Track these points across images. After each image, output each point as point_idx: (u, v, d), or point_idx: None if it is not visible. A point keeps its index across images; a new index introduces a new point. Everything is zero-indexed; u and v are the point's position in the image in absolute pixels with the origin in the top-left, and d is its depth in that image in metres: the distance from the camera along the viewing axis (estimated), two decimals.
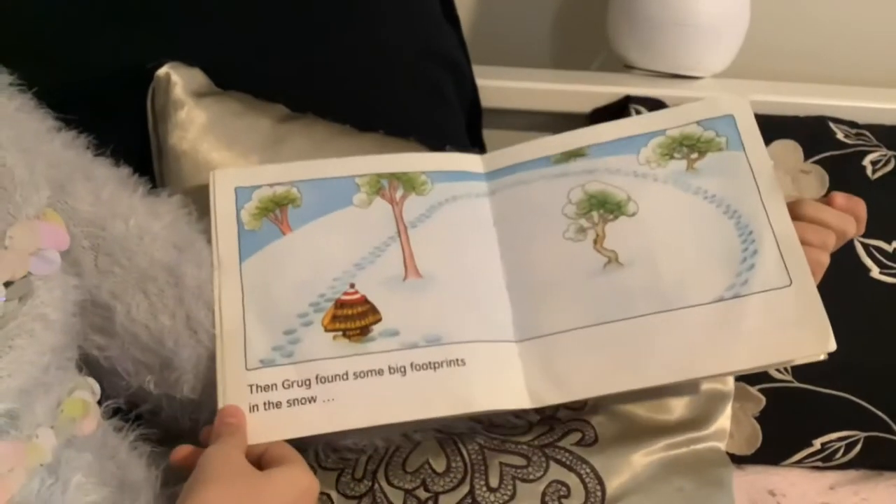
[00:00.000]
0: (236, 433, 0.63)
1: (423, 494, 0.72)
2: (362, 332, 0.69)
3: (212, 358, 0.67)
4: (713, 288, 0.69)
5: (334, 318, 0.69)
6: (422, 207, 0.75)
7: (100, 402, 0.63)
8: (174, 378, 0.68)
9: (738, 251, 0.70)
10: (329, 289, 0.70)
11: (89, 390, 0.63)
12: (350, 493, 0.73)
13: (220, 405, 0.66)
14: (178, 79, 0.83)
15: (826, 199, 0.73)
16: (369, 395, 0.67)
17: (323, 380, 0.67)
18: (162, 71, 0.83)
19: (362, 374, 0.67)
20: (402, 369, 0.67)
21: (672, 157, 0.75)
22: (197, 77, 0.85)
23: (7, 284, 0.55)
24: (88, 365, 0.66)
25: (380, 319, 0.69)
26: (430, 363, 0.68)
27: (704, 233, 0.71)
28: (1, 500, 0.52)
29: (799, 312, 0.67)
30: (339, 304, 0.70)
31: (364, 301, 0.70)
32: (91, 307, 0.65)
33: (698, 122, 0.76)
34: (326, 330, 0.69)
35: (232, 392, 0.66)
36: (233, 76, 0.86)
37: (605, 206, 0.74)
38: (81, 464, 0.58)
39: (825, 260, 0.71)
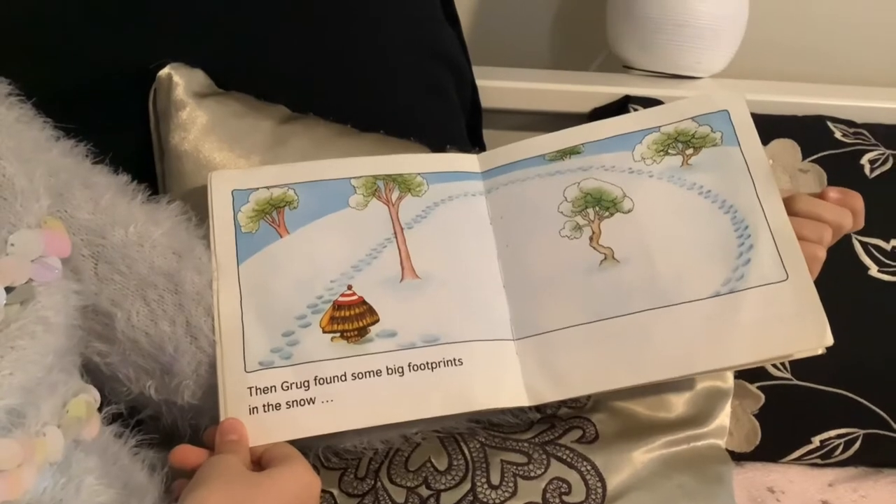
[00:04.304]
0: (238, 450, 0.63)
1: (424, 492, 0.72)
2: (360, 334, 0.69)
3: (212, 364, 0.68)
4: (709, 283, 0.69)
5: (332, 319, 0.69)
6: (418, 208, 0.75)
7: (100, 409, 0.63)
8: (175, 384, 0.68)
9: (734, 246, 0.70)
10: (326, 290, 0.71)
11: (91, 396, 0.63)
12: (353, 492, 0.73)
13: (221, 407, 0.66)
14: (179, 80, 0.83)
15: (821, 194, 0.72)
16: (368, 396, 0.67)
17: (321, 381, 0.67)
18: (164, 72, 0.83)
19: (360, 375, 0.67)
20: (400, 370, 0.68)
21: (667, 154, 0.75)
22: (198, 78, 0.85)
23: (8, 290, 0.55)
24: (89, 371, 0.66)
25: (377, 320, 0.70)
26: (427, 363, 0.68)
27: (700, 228, 0.71)
28: (14, 495, 0.52)
29: (796, 307, 0.67)
30: (337, 306, 0.70)
31: (362, 302, 0.70)
32: (92, 314, 0.65)
33: (693, 118, 0.76)
34: (324, 331, 0.69)
35: (232, 394, 0.66)
36: (234, 77, 0.87)
37: (600, 204, 0.74)
38: (90, 466, 0.58)
39: (821, 254, 0.71)
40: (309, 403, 0.66)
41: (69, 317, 0.60)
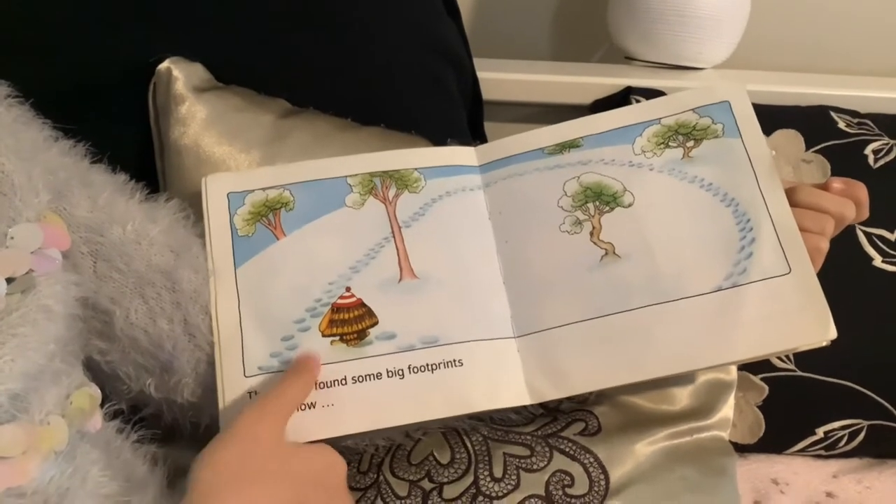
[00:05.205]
0: (303, 375, 0.64)
1: (427, 485, 0.72)
2: (359, 337, 0.68)
3: (210, 362, 0.68)
4: (711, 278, 0.68)
5: (331, 322, 0.69)
6: (415, 205, 0.74)
7: (101, 406, 0.64)
8: (174, 382, 0.68)
9: (736, 240, 0.69)
10: (325, 293, 0.70)
11: (93, 391, 0.63)
12: (356, 486, 0.73)
13: (220, 412, 0.66)
14: (179, 74, 0.83)
15: (824, 185, 0.72)
16: (368, 400, 0.67)
17: (321, 385, 0.67)
18: (163, 66, 0.83)
19: (360, 379, 0.67)
20: (400, 372, 0.67)
21: (668, 146, 0.74)
22: (198, 72, 0.85)
23: (9, 280, 0.55)
24: (91, 370, 0.66)
25: (376, 322, 0.69)
26: (427, 365, 0.67)
27: (701, 222, 0.71)
28: (19, 481, 0.52)
29: (799, 300, 0.66)
30: (336, 309, 0.69)
31: (360, 304, 0.70)
32: (91, 311, 0.66)
33: (694, 110, 0.75)
34: (324, 335, 0.68)
35: (231, 399, 0.66)
36: (234, 71, 0.87)
37: (600, 198, 0.73)
38: (95, 458, 0.59)
39: (824, 246, 0.70)
40: (310, 408, 0.66)
41: (69, 306, 0.60)
